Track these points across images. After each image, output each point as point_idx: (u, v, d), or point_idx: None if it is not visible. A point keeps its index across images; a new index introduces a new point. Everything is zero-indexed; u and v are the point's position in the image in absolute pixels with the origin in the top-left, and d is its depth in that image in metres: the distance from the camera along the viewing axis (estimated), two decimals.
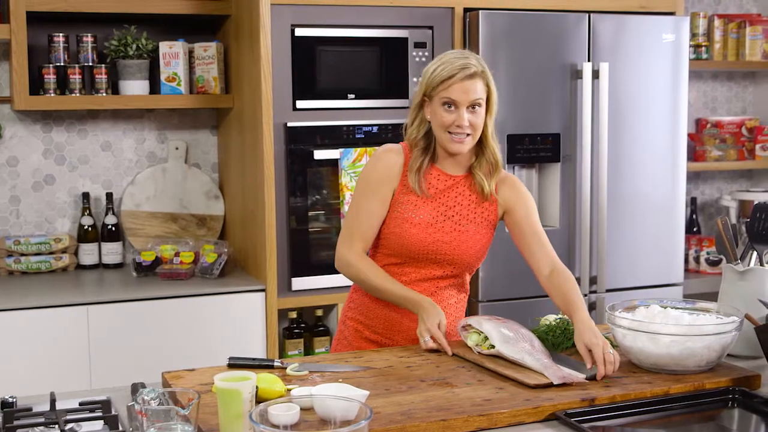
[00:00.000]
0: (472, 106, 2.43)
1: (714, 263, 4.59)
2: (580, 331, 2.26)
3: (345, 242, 2.54)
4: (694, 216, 4.84)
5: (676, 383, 2.11)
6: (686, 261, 4.55)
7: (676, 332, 2.15)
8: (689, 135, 4.56)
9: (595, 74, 3.87)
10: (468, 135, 2.45)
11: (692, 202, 4.85)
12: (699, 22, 4.73)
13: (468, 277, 2.65)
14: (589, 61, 3.87)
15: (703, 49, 4.70)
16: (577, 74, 3.86)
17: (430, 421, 1.87)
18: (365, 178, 2.55)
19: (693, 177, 4.97)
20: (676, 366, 2.16)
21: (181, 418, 1.67)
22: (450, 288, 2.59)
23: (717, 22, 4.77)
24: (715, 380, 2.14)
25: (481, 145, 2.52)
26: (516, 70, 3.78)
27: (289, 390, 2.04)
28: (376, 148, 3.61)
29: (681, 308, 2.36)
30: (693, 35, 4.67)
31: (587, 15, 3.88)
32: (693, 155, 4.79)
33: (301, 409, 1.76)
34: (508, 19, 3.77)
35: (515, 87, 3.78)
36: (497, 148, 2.54)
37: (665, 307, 2.35)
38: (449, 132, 2.44)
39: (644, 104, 4.00)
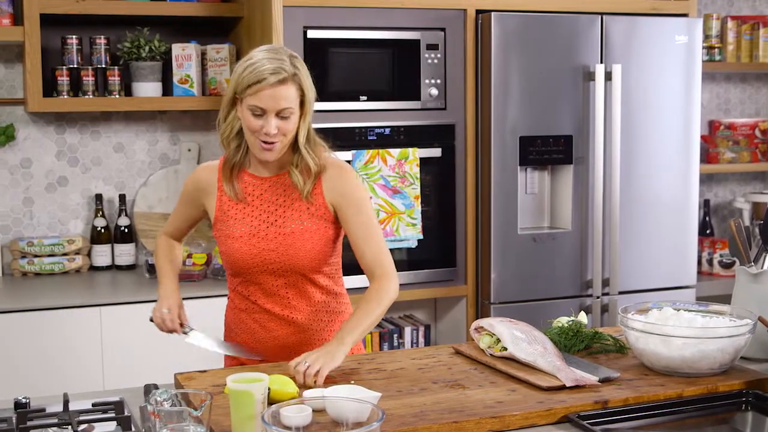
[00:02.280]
0: (281, 113, 2.25)
1: (727, 266, 4.57)
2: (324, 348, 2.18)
3: (166, 226, 2.66)
4: (707, 218, 4.83)
5: (689, 386, 2.11)
6: (699, 263, 4.53)
7: (689, 335, 2.14)
8: (702, 137, 4.55)
9: (608, 76, 3.86)
10: (275, 143, 2.27)
11: (705, 204, 4.84)
12: (712, 23, 4.71)
13: (321, 278, 2.42)
14: (601, 62, 3.87)
15: (717, 50, 4.68)
16: (590, 76, 3.85)
17: (441, 423, 1.87)
18: (183, 189, 2.56)
19: (706, 179, 4.95)
20: (689, 369, 2.15)
21: (193, 420, 1.67)
22: (302, 288, 2.41)
23: (730, 24, 4.76)
24: (729, 383, 2.13)
25: (295, 148, 2.35)
26: (528, 71, 3.78)
27: (302, 391, 2.04)
28: (389, 149, 3.65)
29: (694, 311, 2.35)
30: (706, 37, 4.66)
31: (600, 16, 3.88)
32: (706, 157, 4.78)
33: (313, 410, 1.77)
34: (521, 21, 3.76)
35: (527, 89, 3.77)
36: (311, 157, 2.34)
37: (678, 310, 2.34)
38: (258, 139, 2.28)
39: (657, 106, 3.99)
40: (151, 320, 2.50)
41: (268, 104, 2.24)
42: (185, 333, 2.46)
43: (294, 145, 2.35)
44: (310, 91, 2.32)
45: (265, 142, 2.28)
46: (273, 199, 2.39)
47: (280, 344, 2.45)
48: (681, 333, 2.15)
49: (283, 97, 2.24)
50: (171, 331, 2.48)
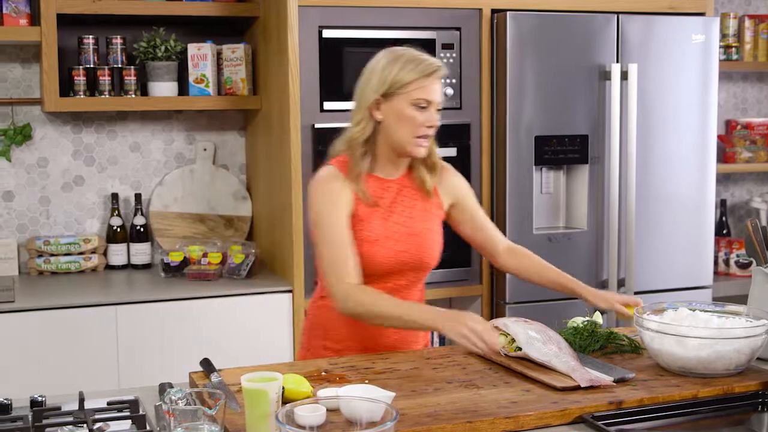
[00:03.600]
0: (438, 105, 2.38)
1: (744, 266, 4.55)
2: (602, 295, 2.46)
3: (339, 278, 2.32)
4: (723, 218, 4.81)
5: (704, 387, 2.10)
6: (716, 263, 4.52)
7: (705, 335, 2.14)
8: (719, 136, 4.53)
9: (624, 75, 3.84)
10: (430, 137, 2.39)
11: (722, 204, 4.81)
12: (729, 22, 4.69)
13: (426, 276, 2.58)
14: (617, 62, 3.85)
15: (734, 49, 4.66)
16: (606, 75, 3.84)
17: (456, 422, 1.87)
18: (320, 211, 2.38)
19: (723, 179, 4.93)
20: (705, 369, 2.14)
21: (207, 419, 1.67)
22: (415, 285, 2.53)
23: (747, 23, 4.73)
24: (745, 384, 2.12)
25: None
26: (544, 71, 3.77)
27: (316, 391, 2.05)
28: None
29: (710, 311, 2.34)
30: (723, 36, 4.64)
31: (616, 16, 3.86)
32: (723, 157, 4.76)
33: (327, 410, 1.77)
34: (536, 20, 3.75)
35: (543, 88, 3.76)
36: (435, 148, 2.49)
37: (694, 310, 2.33)
38: (416, 135, 2.35)
39: (673, 105, 3.97)
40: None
41: (434, 96, 2.35)
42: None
43: None
44: None
45: (422, 137, 2.36)
46: (399, 200, 2.46)
47: (385, 342, 2.50)
48: (697, 333, 2.14)
49: (439, 91, 2.38)
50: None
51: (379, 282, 2.43)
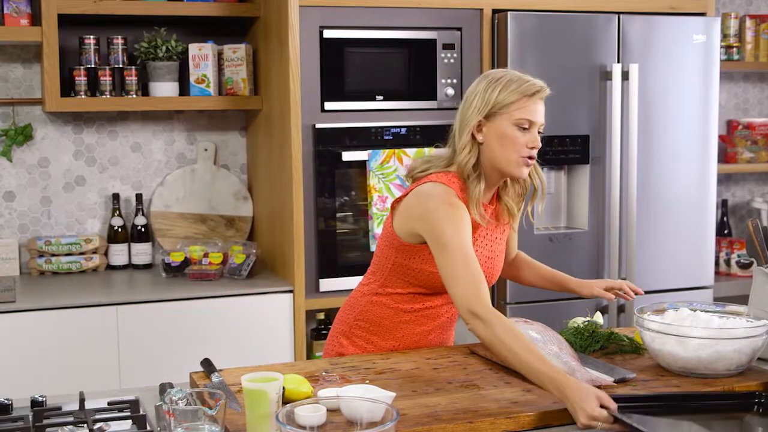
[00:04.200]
0: (540, 127, 2.35)
1: (745, 266, 4.54)
2: (586, 283, 2.50)
3: (484, 304, 2.20)
4: (724, 218, 4.80)
5: (705, 387, 2.10)
6: (717, 264, 4.51)
7: (706, 335, 2.13)
8: (720, 137, 4.53)
9: (625, 75, 3.84)
10: (534, 158, 2.35)
11: (723, 205, 4.81)
12: (730, 22, 4.69)
13: None
14: (618, 62, 3.85)
15: (735, 50, 4.66)
16: (607, 75, 3.84)
17: (456, 423, 1.87)
18: (458, 224, 2.27)
19: (724, 179, 4.93)
20: (705, 369, 2.14)
21: (208, 419, 1.68)
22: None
23: (748, 23, 4.73)
24: (745, 384, 2.12)
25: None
26: (545, 71, 3.74)
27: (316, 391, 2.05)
28: (405, 149, 3.64)
29: (711, 311, 2.34)
30: (724, 36, 4.63)
31: (617, 16, 3.86)
32: (724, 157, 4.75)
33: (327, 410, 1.77)
34: (537, 20, 3.75)
35: None
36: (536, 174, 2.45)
37: (695, 310, 2.33)
38: (521, 156, 2.31)
39: (674, 106, 3.97)
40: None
41: (536, 117, 2.32)
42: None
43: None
44: None
45: (528, 158, 2.33)
46: (491, 226, 2.44)
47: (430, 343, 2.52)
48: (697, 334, 2.14)
49: (542, 112, 2.35)
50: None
51: (440, 297, 2.44)
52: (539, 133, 2.34)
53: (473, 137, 2.35)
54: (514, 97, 2.30)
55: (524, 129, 2.31)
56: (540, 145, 2.33)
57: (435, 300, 2.46)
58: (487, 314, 2.16)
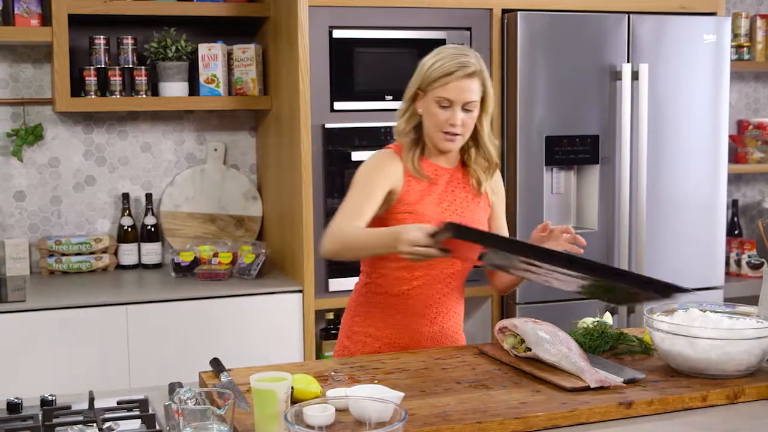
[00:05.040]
0: (467, 106, 2.40)
1: (756, 266, 4.53)
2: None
3: (348, 218, 2.37)
4: (735, 218, 4.79)
5: (714, 388, 2.09)
6: (727, 264, 4.50)
7: (715, 336, 2.13)
8: (731, 137, 4.51)
9: (635, 75, 3.83)
10: (459, 134, 2.42)
11: (733, 205, 4.80)
12: (741, 22, 4.67)
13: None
14: (628, 62, 3.84)
15: (745, 49, 4.64)
16: (617, 75, 3.83)
17: (465, 423, 1.86)
18: (362, 172, 2.46)
19: (734, 179, 4.91)
20: (715, 370, 2.14)
21: (217, 418, 1.68)
22: (456, 291, 2.57)
23: (759, 23, 4.71)
24: (755, 385, 2.11)
25: (476, 142, 2.51)
26: (554, 71, 3.76)
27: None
28: None
29: (720, 312, 2.33)
30: (735, 36, 4.62)
31: (627, 15, 3.85)
32: (734, 157, 4.74)
33: (336, 410, 1.77)
34: (547, 20, 3.75)
35: (554, 88, 3.76)
36: (494, 148, 2.52)
37: (704, 311, 2.32)
38: (441, 131, 2.42)
39: (685, 106, 3.96)
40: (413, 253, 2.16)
41: (455, 96, 2.38)
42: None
43: (470, 143, 2.50)
44: (491, 89, 2.47)
45: (448, 133, 2.40)
46: (451, 189, 2.51)
47: (424, 333, 2.54)
48: (707, 334, 2.13)
49: (469, 90, 2.39)
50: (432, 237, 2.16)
51: (428, 267, 2.47)
52: (467, 110, 2.40)
53: (412, 107, 2.47)
54: (436, 75, 2.40)
55: (444, 107, 2.39)
56: (459, 122, 2.39)
57: (418, 270, 2.47)
58: (336, 227, 2.35)
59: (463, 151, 2.53)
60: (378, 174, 2.45)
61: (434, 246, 2.13)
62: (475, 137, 2.50)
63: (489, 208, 2.59)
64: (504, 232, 2.65)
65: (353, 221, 2.36)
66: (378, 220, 2.46)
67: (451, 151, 2.48)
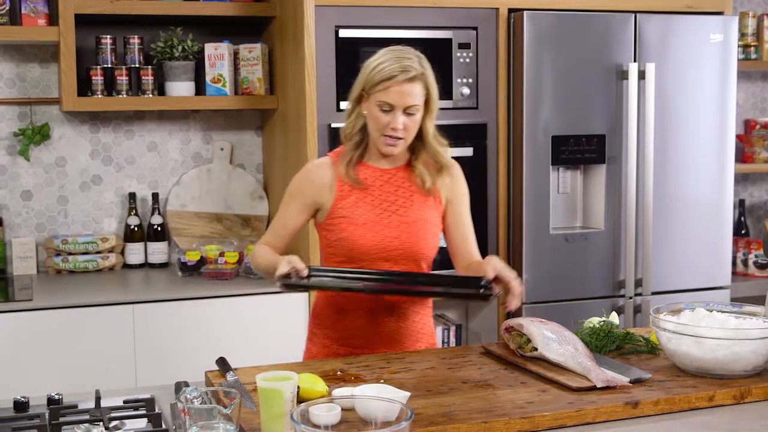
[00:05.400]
0: (408, 110, 2.38)
1: (763, 266, 4.52)
2: (488, 259, 2.33)
3: (266, 236, 2.58)
4: (742, 218, 4.78)
5: (721, 387, 2.08)
6: (734, 264, 4.49)
7: (722, 336, 2.12)
8: (737, 136, 4.51)
9: (641, 75, 3.83)
10: (401, 138, 2.40)
11: (740, 204, 4.78)
12: (748, 21, 4.66)
13: (425, 267, 2.56)
14: (635, 61, 3.84)
15: (752, 49, 4.63)
16: (623, 75, 3.83)
17: (471, 422, 1.86)
18: (290, 187, 2.56)
19: (741, 179, 4.90)
20: (722, 370, 2.13)
21: (223, 417, 1.68)
22: None
23: (766, 22, 4.70)
24: (762, 385, 2.10)
25: (422, 144, 2.49)
26: (561, 70, 3.76)
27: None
28: None
29: (727, 311, 2.32)
30: (742, 35, 4.61)
31: (633, 15, 3.85)
32: (741, 157, 4.73)
33: (342, 409, 1.77)
34: (553, 20, 3.74)
35: (560, 88, 3.75)
36: (441, 148, 2.50)
37: (711, 311, 2.31)
38: (383, 134, 2.40)
39: (691, 105, 3.95)
40: (284, 281, 2.30)
41: (396, 100, 2.36)
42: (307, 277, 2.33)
43: (417, 141, 2.48)
44: (435, 91, 2.44)
45: (390, 137, 2.39)
46: (392, 189, 2.50)
47: (380, 333, 2.52)
48: (714, 334, 2.13)
49: (411, 94, 2.37)
50: (296, 274, 2.30)
51: (372, 267, 2.47)
52: (409, 114, 2.38)
53: (358, 108, 2.46)
54: (378, 78, 2.38)
55: (385, 111, 2.38)
56: (401, 127, 2.37)
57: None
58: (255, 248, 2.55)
59: (410, 151, 2.51)
60: (295, 191, 2.54)
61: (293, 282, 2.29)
62: (421, 138, 2.48)
63: (441, 207, 2.54)
64: (467, 231, 2.59)
65: (267, 239, 2.56)
66: (319, 226, 2.54)
67: (392, 155, 2.47)
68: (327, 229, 2.50)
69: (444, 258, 2.67)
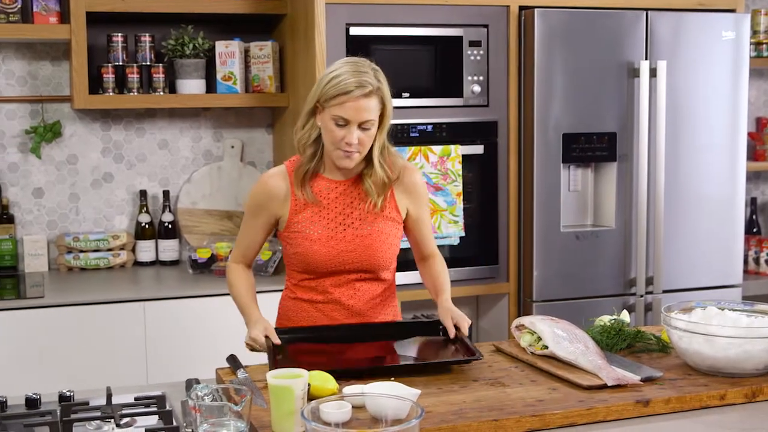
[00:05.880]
0: (364, 125, 2.36)
1: None
2: (446, 308, 2.44)
3: (232, 258, 2.63)
4: (754, 216, 4.76)
5: (732, 386, 2.08)
6: (745, 262, 4.48)
7: (734, 334, 2.12)
8: (749, 134, 4.49)
9: (653, 72, 3.82)
10: (357, 152, 2.39)
11: (752, 203, 4.77)
12: (760, 19, 4.64)
13: (386, 273, 2.56)
14: (646, 59, 3.83)
15: (764, 46, 4.61)
16: (635, 72, 3.81)
17: (481, 420, 1.86)
18: (250, 202, 2.56)
19: (753, 177, 4.88)
20: (734, 369, 2.13)
21: (233, 415, 1.68)
22: (369, 282, 2.54)
23: None
24: None
25: (372, 157, 2.45)
26: (572, 68, 3.75)
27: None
28: (431, 146, 3.64)
29: (739, 310, 2.32)
30: (754, 32, 4.59)
31: (645, 12, 3.84)
32: (753, 154, 4.71)
33: (352, 406, 1.77)
34: (564, 17, 3.74)
35: (571, 85, 3.74)
36: (382, 169, 2.45)
37: (722, 309, 2.31)
38: (338, 148, 2.38)
39: (703, 103, 3.94)
40: (251, 348, 2.41)
41: (351, 116, 2.34)
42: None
43: (368, 155, 2.46)
44: (390, 104, 2.43)
45: (345, 151, 2.37)
46: (348, 201, 2.49)
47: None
48: (725, 333, 2.12)
49: (366, 110, 2.35)
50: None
51: (331, 277, 2.49)
52: (364, 129, 2.36)
53: (312, 119, 2.44)
54: (333, 93, 2.35)
55: (340, 125, 2.36)
56: (355, 141, 2.35)
57: (325, 280, 2.51)
58: (228, 268, 2.64)
59: (365, 161, 2.47)
60: (255, 208, 2.54)
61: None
62: (368, 154, 2.45)
63: (400, 215, 2.53)
64: (426, 231, 2.62)
65: (238, 261, 2.62)
66: (280, 235, 2.56)
67: (347, 168, 2.45)
68: (285, 240, 2.52)
69: (410, 259, 2.74)
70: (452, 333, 2.38)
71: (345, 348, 2.41)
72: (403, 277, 3.19)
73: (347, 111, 2.34)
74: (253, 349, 2.38)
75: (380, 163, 2.45)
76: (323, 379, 2.02)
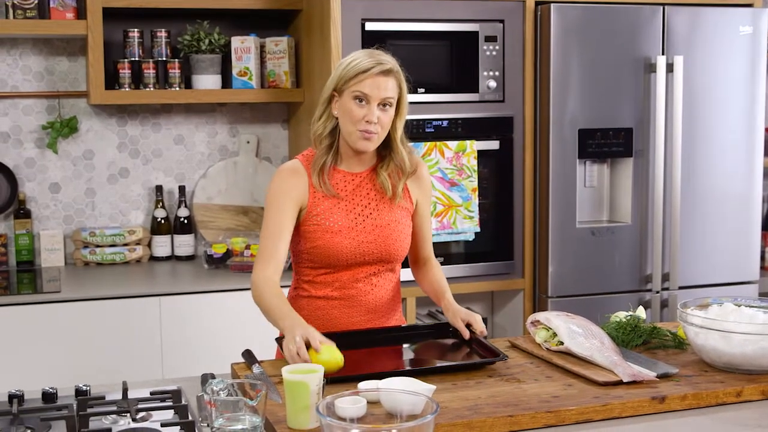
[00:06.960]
0: (383, 104, 2.38)
1: None
2: (454, 310, 2.43)
3: (261, 267, 2.41)
4: None
5: (749, 383, 2.07)
6: (762, 258, 4.45)
7: (750, 331, 2.11)
8: (767, 129, 4.46)
9: (669, 68, 3.80)
10: (375, 133, 2.39)
11: None
12: None
13: (398, 266, 2.59)
14: (663, 54, 3.81)
15: None
16: (651, 68, 3.80)
17: (496, 416, 1.86)
18: (273, 195, 2.46)
19: None
20: (750, 365, 2.12)
21: (249, 409, 1.69)
22: (384, 275, 2.54)
23: None
24: None
25: (388, 148, 2.48)
26: (588, 63, 3.74)
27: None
28: (447, 142, 3.63)
29: (756, 306, 2.30)
30: None
31: (662, 7, 3.82)
32: None
33: (367, 402, 1.77)
34: (581, 12, 3.72)
35: (587, 81, 3.73)
36: (406, 153, 2.49)
37: (739, 305, 2.30)
38: (358, 129, 2.38)
39: (720, 98, 3.92)
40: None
41: (372, 92, 2.37)
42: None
43: (382, 149, 2.49)
44: (406, 92, 2.46)
45: (365, 131, 2.38)
46: (365, 193, 2.50)
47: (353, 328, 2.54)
48: (742, 329, 2.11)
49: (385, 87, 2.39)
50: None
51: (348, 271, 2.49)
52: (383, 109, 2.38)
53: (329, 109, 2.46)
54: (352, 72, 2.39)
55: (360, 102, 2.38)
56: (375, 119, 2.37)
57: (343, 274, 2.49)
58: (256, 278, 2.40)
59: (376, 155, 2.51)
60: (283, 200, 2.44)
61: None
62: (388, 144, 2.48)
63: (412, 206, 2.57)
64: (427, 232, 2.64)
65: (267, 269, 2.39)
66: (296, 231, 2.49)
67: (367, 152, 2.46)
68: (303, 235, 2.48)
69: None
70: (466, 335, 2.39)
71: (363, 354, 2.37)
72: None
73: (367, 86, 2.37)
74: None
75: (401, 147, 2.48)
76: (331, 353, 2.08)
